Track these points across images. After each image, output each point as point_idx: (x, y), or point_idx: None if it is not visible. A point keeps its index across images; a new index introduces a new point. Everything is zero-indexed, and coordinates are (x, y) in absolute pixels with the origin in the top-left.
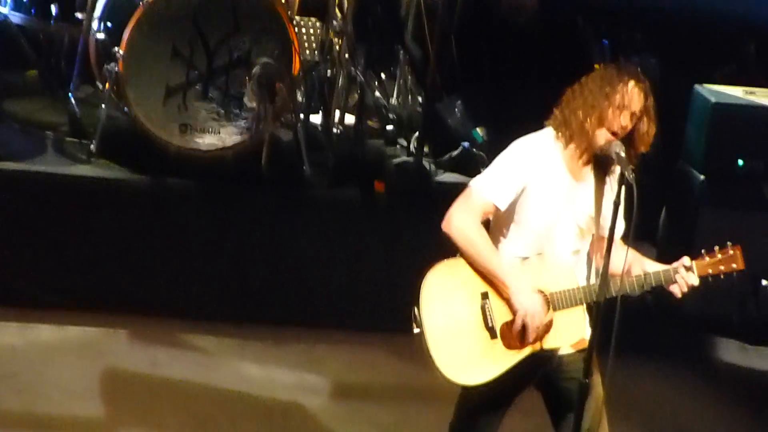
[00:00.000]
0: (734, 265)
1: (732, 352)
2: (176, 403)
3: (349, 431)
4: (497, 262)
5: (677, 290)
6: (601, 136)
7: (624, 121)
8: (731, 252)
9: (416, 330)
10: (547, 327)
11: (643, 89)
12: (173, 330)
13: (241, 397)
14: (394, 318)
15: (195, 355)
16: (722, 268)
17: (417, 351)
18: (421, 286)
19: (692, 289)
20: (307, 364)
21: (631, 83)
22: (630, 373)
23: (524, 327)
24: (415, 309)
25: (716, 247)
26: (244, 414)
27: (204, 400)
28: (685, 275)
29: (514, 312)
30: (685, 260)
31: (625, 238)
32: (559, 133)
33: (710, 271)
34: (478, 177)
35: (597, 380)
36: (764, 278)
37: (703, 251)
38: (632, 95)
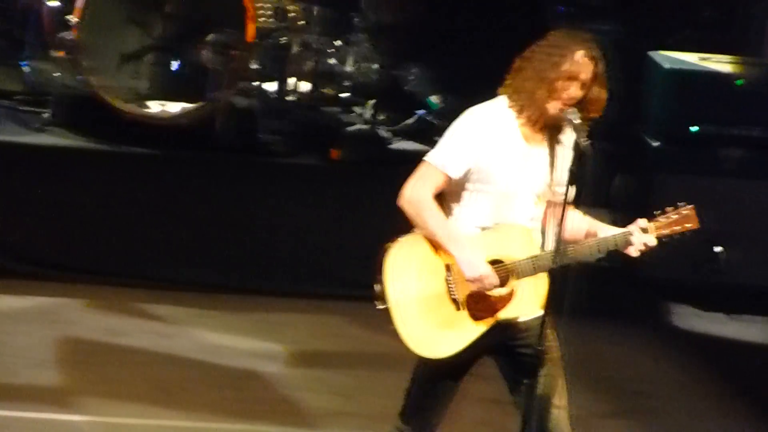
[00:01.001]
0: (688, 225)
1: (686, 317)
2: (134, 371)
3: (307, 398)
4: (445, 231)
5: (634, 252)
6: (553, 107)
7: (574, 91)
8: (685, 212)
9: (380, 306)
10: (510, 296)
11: (592, 57)
12: (131, 298)
13: (199, 364)
14: (351, 285)
15: (153, 324)
16: (677, 228)
17: (375, 317)
18: (384, 261)
19: (649, 249)
20: (264, 331)
21: (580, 53)
22: (585, 338)
23: (484, 294)
24: (377, 285)
25: (669, 207)
26: (203, 381)
27: (162, 368)
28: (641, 237)
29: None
30: (641, 222)
31: (580, 203)
32: (512, 102)
33: (665, 231)
34: (431, 151)
35: (555, 346)
36: (718, 244)
37: (656, 212)
38: (581, 64)
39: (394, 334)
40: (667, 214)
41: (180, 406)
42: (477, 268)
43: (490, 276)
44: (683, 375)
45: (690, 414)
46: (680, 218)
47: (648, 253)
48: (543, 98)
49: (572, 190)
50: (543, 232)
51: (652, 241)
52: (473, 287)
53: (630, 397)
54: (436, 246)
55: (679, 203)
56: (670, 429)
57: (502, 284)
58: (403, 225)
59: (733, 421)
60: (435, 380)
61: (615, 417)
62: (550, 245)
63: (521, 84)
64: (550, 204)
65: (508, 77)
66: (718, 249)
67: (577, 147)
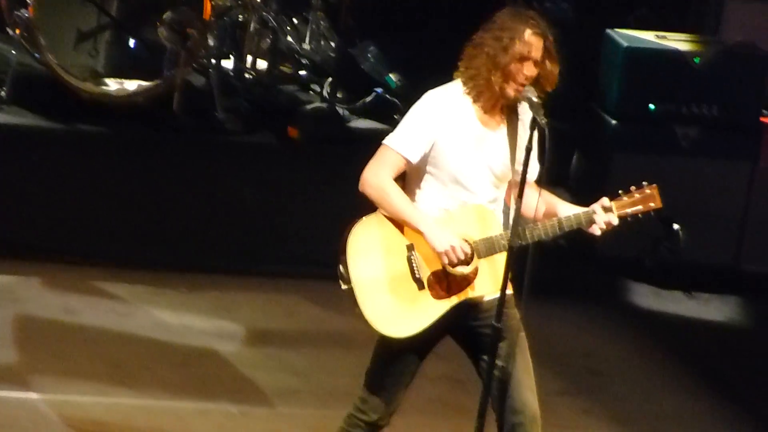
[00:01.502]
0: (652, 204)
1: (645, 295)
2: (90, 349)
3: (264, 377)
4: (411, 210)
5: (597, 231)
6: (510, 89)
7: (528, 71)
8: (648, 191)
9: (344, 287)
10: (474, 274)
11: (540, 34)
12: (87, 277)
13: (155, 343)
14: (308, 264)
15: (109, 302)
16: (640, 207)
17: (331, 296)
18: (347, 241)
19: (611, 228)
20: (221, 310)
21: (528, 32)
22: (542, 317)
23: (447, 274)
24: (341, 266)
25: (633, 187)
26: (159, 360)
27: (118, 347)
28: (603, 216)
29: (436, 255)
30: (604, 201)
31: (539, 182)
32: (468, 89)
33: (628, 211)
34: (389, 135)
35: (516, 324)
36: (676, 222)
37: (620, 192)
38: (531, 43)
39: (354, 314)
40: (631, 194)
41: (135, 384)
42: (447, 240)
43: (462, 245)
44: (640, 353)
45: (645, 392)
46: (643, 198)
47: (609, 232)
48: (499, 83)
49: (532, 169)
50: (506, 212)
51: (615, 220)
52: (445, 260)
53: (586, 375)
54: (398, 226)
55: (644, 183)
56: (625, 407)
57: (465, 264)
58: (360, 203)
59: (690, 399)
60: (397, 358)
61: (571, 395)
62: (511, 225)
63: (476, 72)
64: (512, 184)
65: (461, 64)
66: (676, 227)
67: (535, 125)
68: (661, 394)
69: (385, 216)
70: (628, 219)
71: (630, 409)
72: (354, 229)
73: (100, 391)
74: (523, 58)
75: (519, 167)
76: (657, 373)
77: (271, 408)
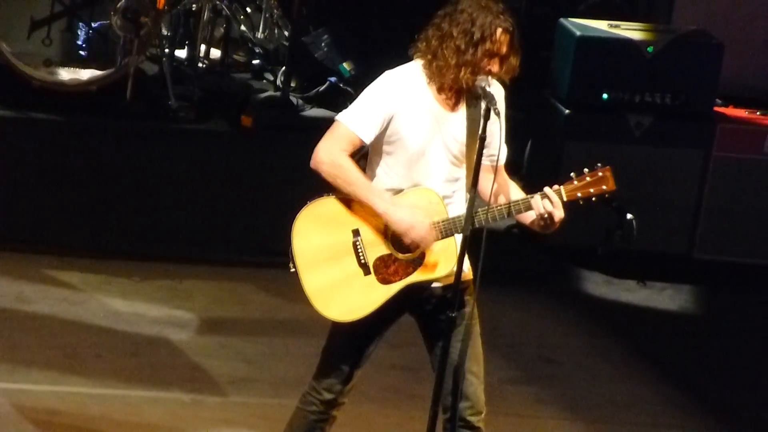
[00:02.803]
0: (604, 187)
1: (598, 284)
2: (43, 337)
3: (217, 365)
4: (366, 185)
5: (537, 219)
6: (473, 81)
7: (495, 67)
8: (601, 173)
9: (292, 269)
10: (421, 258)
11: (509, 30)
12: (39, 265)
13: (107, 331)
14: (261, 252)
15: (61, 290)
16: (592, 190)
17: (283, 285)
18: (293, 225)
19: (553, 219)
20: (173, 298)
21: (499, 30)
22: (495, 304)
23: (409, 243)
24: (291, 247)
25: (585, 170)
26: (111, 348)
27: (70, 335)
28: (542, 203)
29: (387, 246)
30: (547, 189)
31: (496, 168)
32: (430, 73)
33: (580, 194)
34: (344, 110)
35: (472, 312)
36: (629, 211)
37: (572, 174)
38: (501, 42)
39: (304, 300)
40: (583, 176)
41: (88, 373)
42: (405, 214)
43: (421, 220)
44: (593, 342)
45: (598, 380)
46: (596, 180)
47: (558, 227)
48: (467, 78)
49: (500, 153)
50: (463, 196)
51: (557, 210)
52: (407, 240)
53: (538, 363)
54: (344, 210)
55: (597, 165)
56: (578, 395)
57: (413, 248)
58: (312, 191)
59: (642, 387)
60: (349, 341)
61: (523, 383)
62: (465, 212)
63: (444, 64)
64: (468, 168)
65: (421, 44)
66: (629, 216)
67: (488, 114)
68: (613, 383)
69: (329, 201)
70: (581, 202)
71: (583, 397)
72: (300, 213)
73: (52, 379)
74: (492, 55)
75: (473, 151)
76: (610, 361)
77: (224, 396)
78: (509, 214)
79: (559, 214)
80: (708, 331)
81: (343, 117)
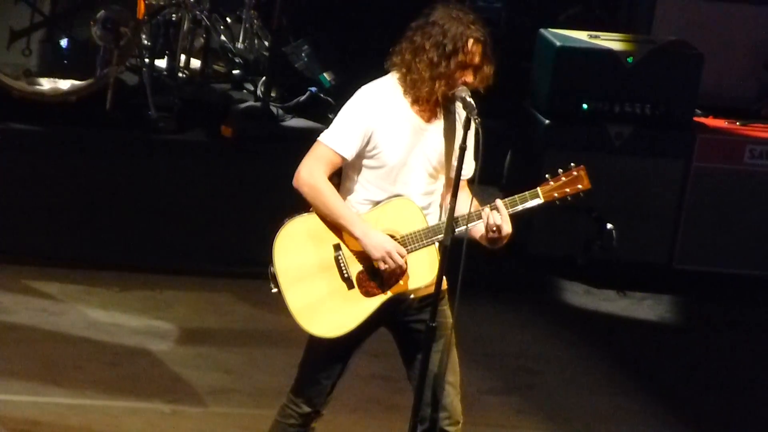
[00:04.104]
0: (580, 186)
1: (577, 294)
2: (22, 348)
3: (197, 375)
4: (344, 211)
5: (485, 229)
6: (448, 92)
7: (469, 78)
8: (575, 173)
9: (274, 290)
10: (402, 270)
11: (481, 40)
12: (18, 275)
13: (87, 342)
14: (241, 262)
15: (40, 301)
16: (568, 190)
17: (264, 295)
18: (274, 244)
19: (498, 233)
20: (153, 309)
21: (470, 41)
22: (474, 314)
23: (384, 271)
24: (271, 268)
25: (560, 170)
26: (91, 359)
27: (50, 346)
28: (491, 214)
29: (369, 258)
30: (497, 201)
31: (471, 181)
32: (405, 86)
33: (556, 194)
34: (325, 131)
35: (448, 322)
36: (609, 221)
37: (547, 176)
38: (474, 52)
39: (285, 310)
40: (558, 177)
41: (68, 384)
42: (382, 246)
43: (398, 249)
44: (572, 351)
45: (578, 391)
46: (571, 180)
47: (505, 242)
48: (442, 91)
49: (466, 167)
50: (441, 206)
51: (505, 224)
52: (382, 267)
53: (518, 373)
54: (325, 226)
55: (571, 164)
56: (558, 405)
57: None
58: (293, 202)
59: (622, 397)
60: (328, 354)
61: (502, 393)
62: (445, 223)
63: (419, 78)
64: (446, 181)
65: (396, 57)
66: (609, 226)
67: (468, 125)
68: (594, 393)
69: (311, 218)
70: (557, 203)
71: (563, 407)
72: (281, 231)
73: (32, 390)
74: (465, 67)
75: (455, 163)
76: (590, 371)
77: (204, 407)
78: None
79: (506, 228)
80: (688, 341)
81: (323, 137)
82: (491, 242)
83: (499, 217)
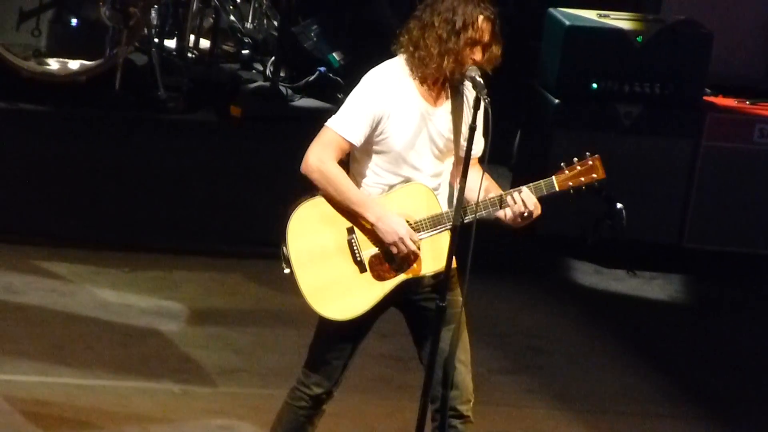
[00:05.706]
0: (594, 175)
1: (587, 274)
2: (32, 329)
3: (206, 356)
4: (356, 195)
5: (510, 215)
6: (458, 72)
7: (478, 56)
8: (590, 162)
9: (286, 270)
10: (415, 254)
11: (490, 18)
12: (28, 256)
13: (97, 322)
14: (250, 243)
15: (51, 282)
16: (583, 179)
17: (273, 275)
18: (287, 225)
19: (527, 217)
20: (163, 289)
21: (480, 18)
22: (485, 294)
23: (396, 253)
24: (284, 248)
25: (575, 159)
26: (101, 339)
27: (61, 326)
28: (516, 200)
29: (383, 242)
30: (523, 188)
31: (482, 160)
32: (413, 66)
33: (571, 183)
34: (333, 116)
35: (458, 301)
36: (619, 200)
37: (562, 164)
38: (483, 29)
39: (294, 291)
40: (573, 165)
41: (78, 364)
42: (396, 231)
43: (411, 234)
44: (582, 331)
45: (588, 370)
46: (586, 169)
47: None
48: (451, 68)
49: (477, 146)
50: (450, 188)
51: (536, 210)
52: (392, 247)
53: (528, 353)
54: (338, 209)
55: (587, 153)
56: (568, 385)
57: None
58: (302, 182)
59: (632, 376)
60: (338, 336)
61: (512, 373)
62: (454, 202)
63: (427, 55)
64: (457, 161)
65: (403, 37)
66: (618, 205)
67: (477, 104)
68: (603, 373)
69: (323, 200)
70: (571, 192)
71: (572, 386)
72: (294, 213)
73: (42, 370)
74: (474, 44)
75: (464, 143)
76: (600, 351)
77: (213, 387)
78: (489, 209)
79: (537, 212)
80: (698, 321)
81: (331, 122)
82: (517, 224)
83: (532, 203)
